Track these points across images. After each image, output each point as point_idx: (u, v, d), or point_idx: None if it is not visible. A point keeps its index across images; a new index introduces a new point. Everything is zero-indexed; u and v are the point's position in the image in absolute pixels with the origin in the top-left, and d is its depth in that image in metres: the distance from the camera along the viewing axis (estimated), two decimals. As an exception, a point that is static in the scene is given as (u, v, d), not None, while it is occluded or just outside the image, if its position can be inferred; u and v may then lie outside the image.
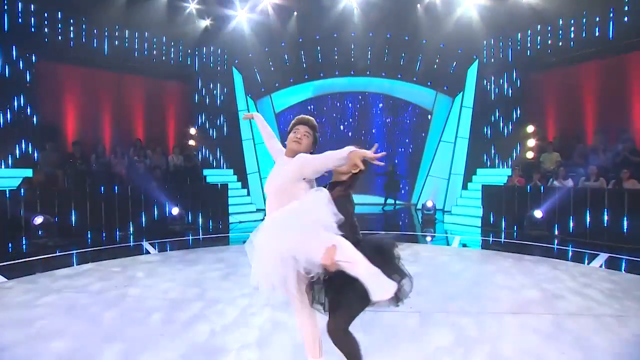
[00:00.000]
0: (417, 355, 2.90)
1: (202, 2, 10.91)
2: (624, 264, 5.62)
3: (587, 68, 9.66)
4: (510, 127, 10.95)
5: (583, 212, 7.25)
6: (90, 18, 9.70)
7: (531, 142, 9.86)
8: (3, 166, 8.38)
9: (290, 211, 2.07)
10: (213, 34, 11.60)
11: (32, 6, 8.88)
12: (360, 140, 13.57)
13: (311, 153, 2.26)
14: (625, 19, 8.85)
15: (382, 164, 2.10)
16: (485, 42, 11.37)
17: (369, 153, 1.99)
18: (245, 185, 11.93)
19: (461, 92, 11.98)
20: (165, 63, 11.28)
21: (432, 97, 12.94)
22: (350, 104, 13.74)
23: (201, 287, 4.49)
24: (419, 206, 11.49)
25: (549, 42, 10.12)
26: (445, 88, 12.60)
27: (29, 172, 8.19)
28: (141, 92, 10.84)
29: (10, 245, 6.80)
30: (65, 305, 3.92)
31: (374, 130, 13.71)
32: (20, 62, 8.79)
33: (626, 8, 8.81)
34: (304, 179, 2.15)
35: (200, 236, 8.14)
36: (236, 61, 12.46)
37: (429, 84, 12.76)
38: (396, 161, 13.19)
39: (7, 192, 7.11)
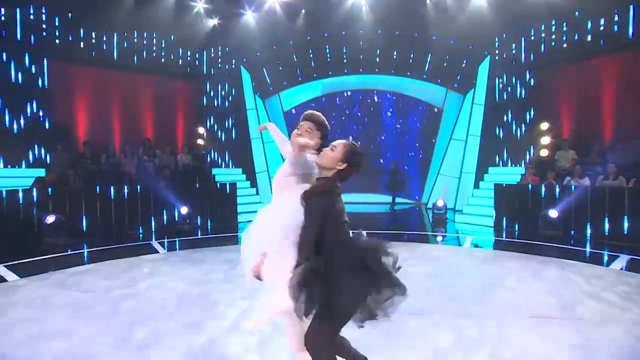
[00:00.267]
0: (417, 357, 2.83)
1: (210, 2, 10.92)
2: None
3: (604, 63, 9.35)
4: (523, 125, 10.69)
5: (601, 212, 7.02)
6: (99, 19, 9.78)
7: (545, 140, 9.60)
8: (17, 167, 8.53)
9: (269, 210, 2.16)
10: (221, 33, 11.60)
11: (44, 10, 9.00)
12: (370, 139, 13.47)
13: (318, 150, 2.21)
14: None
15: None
16: (497, 38, 11.11)
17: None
18: (254, 184, 11.92)
19: (472, 89, 11.76)
20: (174, 63, 11.33)
21: (443, 94, 12.72)
22: (359, 102, 13.61)
23: (205, 287, 4.45)
24: (430, 205, 11.32)
25: (564, 36, 9.83)
26: (455, 85, 12.38)
27: (41, 172, 8.30)
28: (150, 91, 10.91)
29: (23, 244, 6.87)
30: (72, 305, 3.92)
31: (383, 128, 13.56)
32: (33, 68, 8.95)
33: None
34: (298, 174, 2.15)
35: (209, 235, 8.13)
36: (244, 60, 12.45)
37: (439, 81, 12.55)
38: (407, 166, 13.00)
39: (21, 191, 7.20)
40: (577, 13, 9.54)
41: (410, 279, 4.68)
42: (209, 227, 8.98)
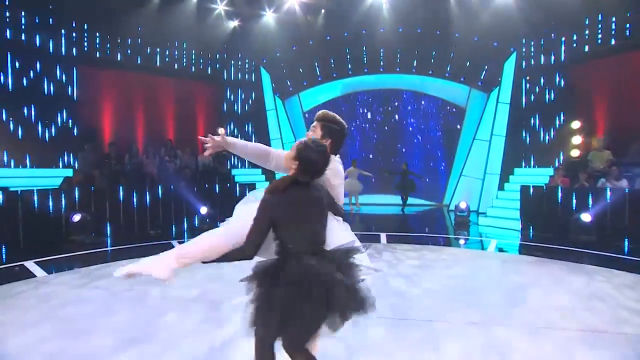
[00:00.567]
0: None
1: (231, 4, 11.00)
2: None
3: (641, 57, 8.81)
4: (552, 124, 10.24)
5: (640, 216, 6.60)
6: (123, 24, 10.02)
7: (577, 140, 9.15)
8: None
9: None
10: (241, 34, 11.69)
11: (74, 23, 9.41)
12: (390, 139, 13.26)
13: (333, 146, 2.23)
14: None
15: None
16: (524, 33, 10.68)
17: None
18: (273, 184, 11.91)
19: (497, 88, 11.39)
20: (195, 64, 11.52)
21: (466, 93, 12.39)
22: (379, 102, 13.43)
23: (221, 286, 4.43)
24: (452, 207, 11.03)
25: (599, 30, 9.32)
26: (479, 83, 12.03)
27: (69, 172, 8.58)
28: (172, 93, 11.12)
29: (51, 241, 7.07)
30: (94, 301, 3.99)
31: (404, 129, 13.33)
32: (64, 77, 9.36)
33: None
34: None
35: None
36: (264, 61, 12.49)
37: (462, 79, 12.23)
38: (431, 164, 12.74)
39: (50, 191, 7.44)
40: (609, 6, 9.05)
41: (430, 283, 4.61)
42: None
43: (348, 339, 3.14)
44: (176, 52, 11.17)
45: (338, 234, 1.99)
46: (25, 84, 8.72)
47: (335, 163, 2.17)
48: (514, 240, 7.60)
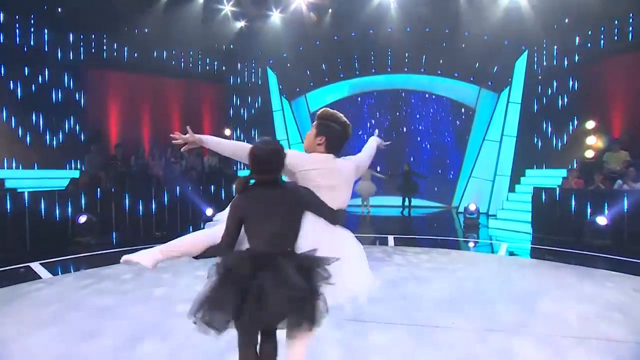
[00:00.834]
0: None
1: (237, 4, 10.96)
2: None
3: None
4: (566, 124, 9.96)
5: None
6: (129, 25, 10.04)
7: (591, 140, 8.88)
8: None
9: None
10: (248, 35, 11.65)
11: (81, 26, 9.47)
12: (398, 140, 13.10)
13: (319, 144, 2.13)
14: None
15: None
16: (536, 30, 10.42)
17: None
18: (279, 186, 11.84)
19: (508, 87, 11.15)
20: (201, 65, 11.50)
21: (475, 93, 12.18)
22: (387, 102, 13.27)
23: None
24: (461, 209, 10.82)
25: (615, 27, 9.02)
26: (489, 83, 11.81)
27: (76, 173, 8.60)
28: (178, 94, 11.10)
29: (57, 243, 7.07)
30: (99, 303, 3.94)
31: (412, 129, 13.15)
32: (71, 83, 9.42)
33: None
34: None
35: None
36: (270, 61, 12.43)
37: (471, 79, 12.01)
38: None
39: (56, 193, 7.45)
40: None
41: (439, 288, 4.45)
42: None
43: (351, 342, 3.06)
44: (182, 53, 11.16)
45: (311, 238, 1.90)
46: (33, 90, 8.77)
47: (324, 162, 2.06)
48: (525, 244, 7.41)
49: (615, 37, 9.14)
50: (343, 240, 2.06)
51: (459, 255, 6.39)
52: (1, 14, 8.32)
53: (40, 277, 4.89)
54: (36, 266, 5.40)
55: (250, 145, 1.99)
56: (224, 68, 11.93)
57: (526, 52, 10.72)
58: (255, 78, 12.43)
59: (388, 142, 2.73)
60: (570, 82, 9.96)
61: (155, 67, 10.64)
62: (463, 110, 12.56)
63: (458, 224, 9.92)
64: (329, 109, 2.21)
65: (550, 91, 10.38)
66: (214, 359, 2.81)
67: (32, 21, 8.76)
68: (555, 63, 10.26)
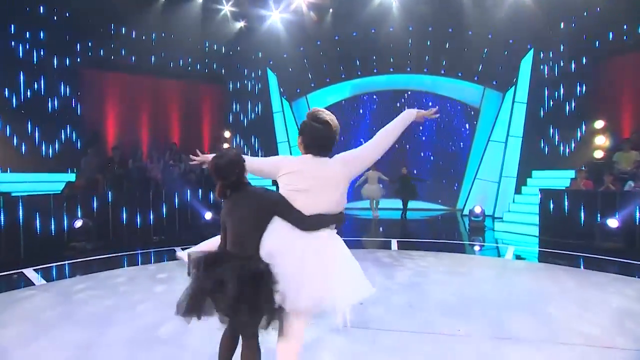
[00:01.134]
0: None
1: (237, 4, 10.85)
2: None
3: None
4: (573, 124, 9.70)
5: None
6: (127, 26, 9.93)
7: (600, 140, 8.63)
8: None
9: None
10: (247, 35, 11.53)
11: (77, 26, 9.27)
12: (400, 142, 12.88)
13: (299, 145, 2.11)
14: None
15: None
16: (542, 28, 10.18)
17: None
18: (280, 189, 11.67)
19: (513, 87, 10.92)
20: (200, 66, 11.36)
21: (480, 93, 11.96)
22: (389, 103, 13.07)
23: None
24: (466, 212, 10.58)
25: (624, 24, 8.76)
26: (494, 83, 11.59)
27: (72, 177, 8.46)
28: (177, 95, 10.99)
29: (52, 248, 6.95)
30: (94, 311, 3.83)
31: (415, 130, 12.94)
32: (68, 90, 9.26)
33: None
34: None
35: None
36: (270, 62, 12.29)
37: (475, 79, 11.79)
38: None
39: (51, 197, 7.31)
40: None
41: (443, 292, 4.23)
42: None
43: (354, 348, 2.94)
44: (181, 54, 11.03)
45: (277, 243, 1.90)
46: (29, 96, 8.63)
47: (298, 164, 2.00)
48: (532, 247, 7.20)
49: (625, 37, 8.89)
50: (323, 247, 1.92)
51: (464, 259, 6.21)
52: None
53: (33, 284, 4.77)
54: (29, 272, 5.28)
55: (278, 157, 2.16)
56: (223, 69, 11.80)
57: (532, 51, 10.48)
58: (255, 79, 12.28)
59: (434, 111, 2.35)
60: (578, 81, 9.70)
61: (153, 68, 10.53)
62: (467, 110, 12.35)
63: (463, 227, 9.70)
64: (317, 107, 2.12)
65: (557, 91, 10.12)
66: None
67: (29, 19, 8.65)
68: (562, 62, 10.00)
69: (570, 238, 7.23)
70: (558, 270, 5.38)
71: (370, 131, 13.01)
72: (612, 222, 6.59)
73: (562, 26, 9.88)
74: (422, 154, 12.85)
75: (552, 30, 9.97)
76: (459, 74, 11.88)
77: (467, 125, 12.39)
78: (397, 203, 10.70)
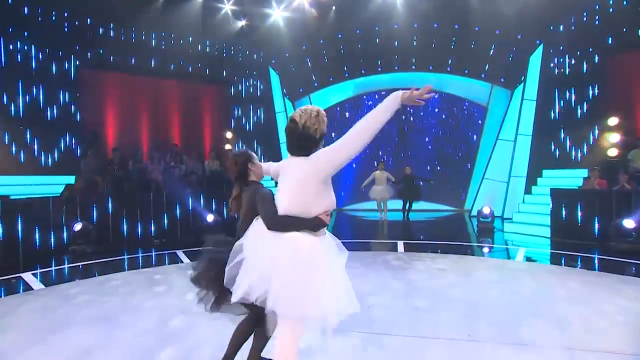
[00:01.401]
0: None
1: (237, 3, 10.70)
2: None
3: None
4: (586, 121, 9.36)
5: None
6: (127, 24, 9.82)
7: (614, 137, 8.32)
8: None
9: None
10: (249, 34, 11.38)
11: (77, 25, 9.15)
12: (406, 141, 12.66)
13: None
14: None
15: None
16: (552, 22, 9.86)
17: None
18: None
19: (522, 84, 10.63)
20: (201, 66, 11.20)
21: (487, 90, 11.69)
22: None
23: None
24: (474, 213, 10.31)
25: (638, 17, 8.44)
26: (502, 80, 11.30)
27: (71, 179, 8.35)
28: (178, 96, 10.84)
29: (51, 252, 6.84)
30: (94, 317, 3.73)
31: (421, 130, 12.69)
32: (67, 96, 9.12)
33: None
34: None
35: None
36: (273, 61, 12.12)
37: (482, 76, 11.52)
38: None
39: (50, 199, 7.20)
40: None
41: (453, 295, 4.01)
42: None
43: (358, 354, 2.89)
44: (182, 54, 10.89)
45: (251, 237, 2.01)
46: (27, 101, 8.50)
47: (278, 165, 2.18)
48: (544, 249, 6.95)
49: (639, 31, 8.55)
50: (285, 250, 1.85)
51: (473, 261, 5.98)
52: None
53: (32, 288, 4.71)
54: (28, 276, 5.22)
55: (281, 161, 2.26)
56: (224, 69, 11.64)
57: (542, 47, 10.18)
58: (257, 79, 12.11)
59: (426, 90, 1.88)
60: (590, 78, 9.35)
61: (153, 68, 10.40)
62: (474, 108, 12.07)
63: (471, 228, 9.44)
64: (308, 106, 2.15)
65: (567, 87, 9.79)
66: None
67: (26, 19, 8.55)
68: (573, 58, 9.67)
69: (583, 239, 7.00)
70: (571, 273, 5.19)
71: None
72: (628, 223, 6.34)
73: (572, 20, 9.55)
74: (427, 153, 12.60)
75: (562, 24, 9.65)
76: (466, 71, 11.61)
77: (474, 124, 12.11)
78: (400, 204, 10.45)
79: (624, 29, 8.82)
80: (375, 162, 10.78)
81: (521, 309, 3.78)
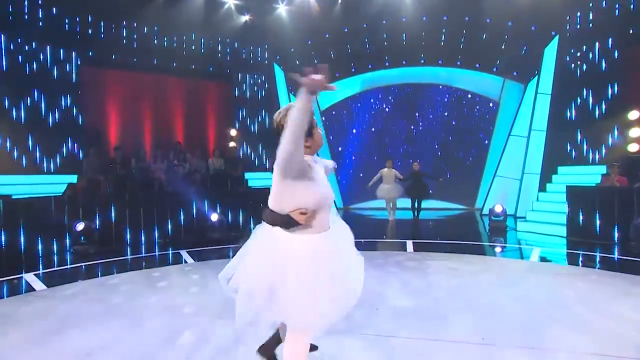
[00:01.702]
0: None
1: (242, -3, 10.53)
2: None
3: None
4: (604, 115, 8.97)
5: None
6: (129, 21, 9.72)
7: (635, 132, 7.95)
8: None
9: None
10: (253, 29, 11.17)
11: (78, 21, 9.06)
12: (415, 138, 12.37)
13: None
14: None
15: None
16: (568, 12, 9.45)
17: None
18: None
19: (536, 77, 10.26)
20: (205, 63, 11.06)
21: (499, 84, 11.33)
22: (402, 98, 12.54)
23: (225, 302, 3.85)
24: (486, 211, 9.99)
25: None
26: (514, 74, 10.92)
27: (73, 178, 8.29)
28: (181, 93, 10.73)
29: (54, 252, 6.78)
30: (97, 317, 3.69)
31: (430, 125, 12.39)
32: (68, 100, 9.07)
33: None
34: None
35: (241, 244, 7.58)
36: (277, 57, 11.92)
37: (494, 70, 11.15)
38: (454, 168, 11.66)
39: (52, 199, 7.14)
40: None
41: (466, 297, 3.77)
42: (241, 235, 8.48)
43: (362, 356, 2.81)
44: (184, 51, 10.75)
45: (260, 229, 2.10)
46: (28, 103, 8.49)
47: None
48: (560, 249, 6.67)
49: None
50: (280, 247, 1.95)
51: (486, 261, 5.73)
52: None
53: (34, 289, 4.64)
54: (30, 277, 5.16)
55: None
56: (228, 65, 11.48)
57: (557, 38, 9.78)
58: (262, 75, 11.93)
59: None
60: (609, 70, 8.93)
61: (155, 65, 10.28)
62: (486, 103, 11.72)
63: (483, 227, 9.15)
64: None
65: (584, 80, 9.37)
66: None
67: (25, 18, 8.49)
68: (590, 50, 9.25)
69: (602, 239, 6.71)
70: (590, 274, 4.97)
71: (381, 127, 12.53)
72: (651, 222, 5.99)
73: (591, 7, 9.11)
74: (437, 150, 12.29)
75: (580, 14, 9.23)
76: (477, 65, 11.26)
77: (485, 120, 11.76)
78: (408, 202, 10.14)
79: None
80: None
81: (537, 311, 3.58)
